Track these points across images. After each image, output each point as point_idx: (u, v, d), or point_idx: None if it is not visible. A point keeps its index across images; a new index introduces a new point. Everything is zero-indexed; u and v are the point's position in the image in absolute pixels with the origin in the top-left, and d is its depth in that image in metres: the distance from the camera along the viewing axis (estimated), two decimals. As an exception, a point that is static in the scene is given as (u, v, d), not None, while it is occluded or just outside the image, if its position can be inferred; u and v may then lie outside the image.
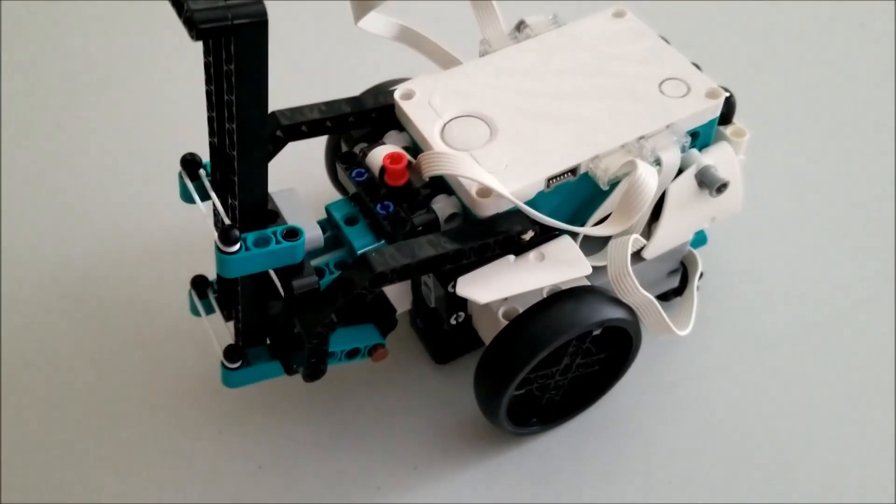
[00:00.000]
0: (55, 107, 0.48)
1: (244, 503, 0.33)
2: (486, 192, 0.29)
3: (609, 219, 0.30)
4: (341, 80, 0.48)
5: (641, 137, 0.31)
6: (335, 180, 0.39)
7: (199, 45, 0.24)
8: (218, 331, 0.32)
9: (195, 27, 0.21)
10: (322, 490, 0.33)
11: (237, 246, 0.26)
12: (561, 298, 0.30)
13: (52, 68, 0.50)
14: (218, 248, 0.26)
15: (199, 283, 0.32)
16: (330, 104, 0.33)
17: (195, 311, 0.33)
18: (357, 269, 0.28)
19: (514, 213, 0.30)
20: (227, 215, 0.27)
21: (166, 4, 0.22)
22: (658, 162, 0.30)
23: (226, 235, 0.26)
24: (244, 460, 0.34)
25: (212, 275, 0.32)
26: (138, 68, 0.50)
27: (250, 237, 0.27)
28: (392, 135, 0.33)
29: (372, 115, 0.33)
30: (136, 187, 0.43)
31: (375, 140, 0.33)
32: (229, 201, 0.27)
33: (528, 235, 0.30)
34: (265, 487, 0.33)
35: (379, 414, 0.35)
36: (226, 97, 0.24)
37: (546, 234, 0.30)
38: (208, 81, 0.25)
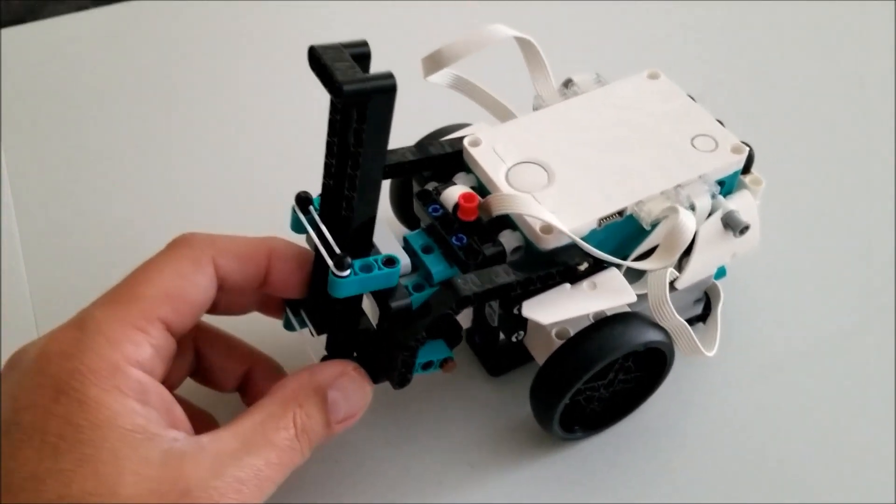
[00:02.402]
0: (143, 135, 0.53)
1: (320, 492, 0.38)
2: (548, 229, 0.34)
3: (654, 255, 0.35)
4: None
5: (678, 185, 0.36)
6: (400, 213, 0.44)
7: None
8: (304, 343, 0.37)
9: (343, 95, 0.26)
10: (391, 483, 0.38)
11: (348, 271, 0.31)
12: (612, 322, 0.35)
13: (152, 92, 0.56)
14: (332, 273, 0.31)
15: (293, 303, 0.37)
16: (414, 148, 0.38)
17: (288, 326, 0.37)
18: (445, 293, 0.33)
19: (571, 247, 0.35)
20: (337, 245, 0.32)
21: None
22: (692, 207, 0.36)
23: (340, 262, 0.31)
24: (322, 455, 0.39)
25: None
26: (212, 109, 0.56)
27: (357, 264, 0.32)
28: (460, 176, 0.38)
29: (443, 159, 0.39)
30: (232, 220, 0.48)
31: (441, 180, 0.39)
32: (340, 233, 0.32)
33: (583, 267, 0.35)
34: (340, 479, 0.38)
35: (439, 418, 0.40)
36: (352, 149, 0.29)
37: (597, 267, 0.36)
38: (331, 134, 0.30)
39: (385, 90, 0.27)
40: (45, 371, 0.28)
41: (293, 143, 0.53)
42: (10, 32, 0.61)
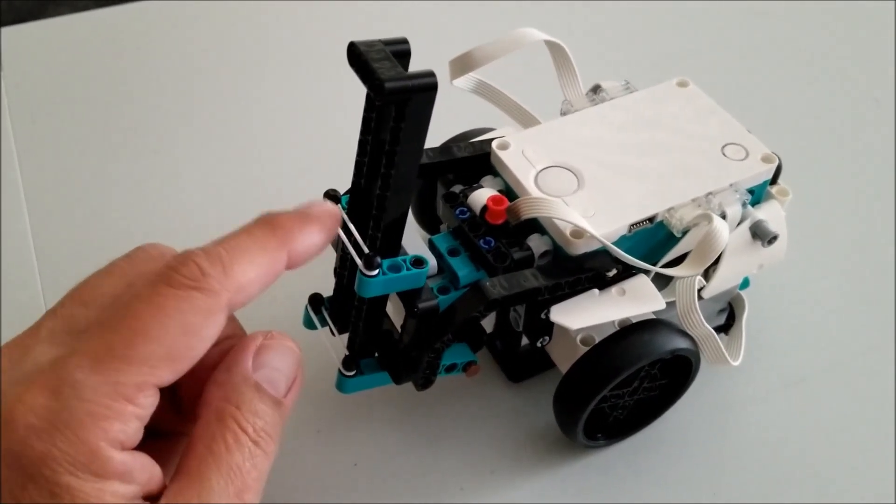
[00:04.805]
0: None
1: (341, 496, 0.37)
2: (579, 233, 0.34)
3: (685, 262, 0.35)
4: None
5: (709, 193, 0.36)
6: (418, 215, 0.44)
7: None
8: (323, 343, 0.36)
9: (383, 92, 0.26)
10: (412, 487, 0.38)
11: (376, 271, 0.31)
12: (640, 328, 0.35)
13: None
14: (360, 272, 0.31)
15: (315, 300, 0.37)
16: (437, 151, 0.38)
17: (309, 324, 0.37)
18: (473, 295, 0.33)
19: (601, 253, 0.34)
20: (366, 244, 0.32)
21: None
22: (723, 215, 0.35)
23: (369, 262, 0.30)
24: (342, 458, 0.38)
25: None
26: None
27: (385, 263, 0.31)
28: (487, 179, 0.38)
29: (468, 162, 0.38)
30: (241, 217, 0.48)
31: (467, 183, 0.38)
32: (369, 232, 0.31)
33: (612, 272, 0.34)
34: (360, 483, 0.38)
35: (460, 423, 0.40)
36: (387, 147, 0.29)
37: (625, 273, 0.35)
38: (365, 132, 0.30)
39: (426, 88, 0.27)
40: (12, 447, 0.24)
41: (304, 141, 0.53)
42: (10, 31, 0.61)
